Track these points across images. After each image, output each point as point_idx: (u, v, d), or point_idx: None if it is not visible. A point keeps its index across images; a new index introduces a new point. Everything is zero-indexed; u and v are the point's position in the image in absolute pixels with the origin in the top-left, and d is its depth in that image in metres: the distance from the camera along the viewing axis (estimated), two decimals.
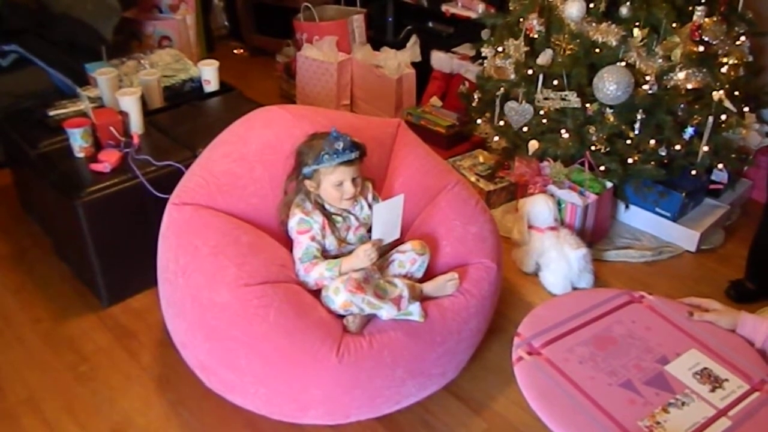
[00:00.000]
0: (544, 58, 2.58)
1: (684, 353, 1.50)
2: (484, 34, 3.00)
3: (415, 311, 1.74)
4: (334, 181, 1.75)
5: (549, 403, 1.37)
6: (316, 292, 1.78)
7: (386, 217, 1.74)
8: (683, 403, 1.37)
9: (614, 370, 1.45)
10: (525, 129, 2.70)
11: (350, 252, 1.80)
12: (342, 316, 1.74)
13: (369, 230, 1.87)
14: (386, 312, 1.71)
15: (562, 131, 2.57)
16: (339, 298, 1.70)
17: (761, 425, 1.33)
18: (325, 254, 1.82)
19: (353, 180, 1.77)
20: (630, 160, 2.50)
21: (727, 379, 1.43)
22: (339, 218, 1.84)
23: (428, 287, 1.85)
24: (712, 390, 1.40)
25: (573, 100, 2.51)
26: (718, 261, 2.59)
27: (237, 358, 1.67)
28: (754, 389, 1.41)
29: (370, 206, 1.90)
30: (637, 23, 2.43)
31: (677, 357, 1.48)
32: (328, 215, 1.82)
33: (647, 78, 2.41)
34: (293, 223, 1.80)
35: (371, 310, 1.72)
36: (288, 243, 1.85)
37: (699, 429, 1.32)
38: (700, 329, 1.56)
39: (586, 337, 1.54)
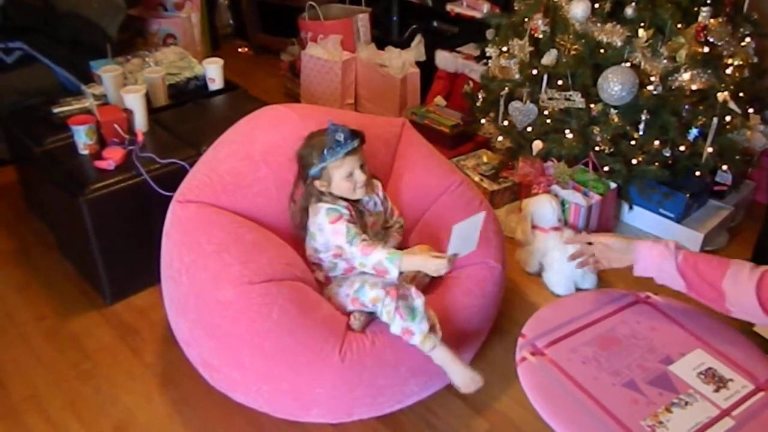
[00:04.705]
0: (548, 58, 2.58)
1: (689, 353, 1.49)
2: (489, 33, 2.99)
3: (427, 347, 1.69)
4: (344, 174, 1.74)
5: (552, 403, 1.37)
6: (319, 291, 1.78)
7: (465, 234, 1.66)
8: (687, 403, 1.37)
9: (618, 370, 1.44)
10: (529, 129, 2.69)
11: None
12: (347, 314, 1.75)
13: (384, 227, 1.88)
14: (395, 327, 1.67)
15: (567, 131, 2.56)
16: (373, 292, 1.68)
17: (765, 425, 1.32)
18: None
19: (361, 167, 1.76)
20: (634, 161, 2.49)
21: (731, 379, 1.42)
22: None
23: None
24: (717, 390, 1.40)
25: (577, 100, 2.51)
26: None
27: (240, 356, 1.68)
28: (759, 389, 1.40)
29: (382, 203, 1.90)
30: (642, 24, 2.42)
31: (682, 357, 1.48)
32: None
33: (652, 79, 2.40)
34: (322, 217, 1.75)
35: (385, 320, 1.68)
36: (293, 242, 1.85)
37: (702, 429, 1.31)
38: (705, 330, 1.56)
39: (589, 337, 1.53)
